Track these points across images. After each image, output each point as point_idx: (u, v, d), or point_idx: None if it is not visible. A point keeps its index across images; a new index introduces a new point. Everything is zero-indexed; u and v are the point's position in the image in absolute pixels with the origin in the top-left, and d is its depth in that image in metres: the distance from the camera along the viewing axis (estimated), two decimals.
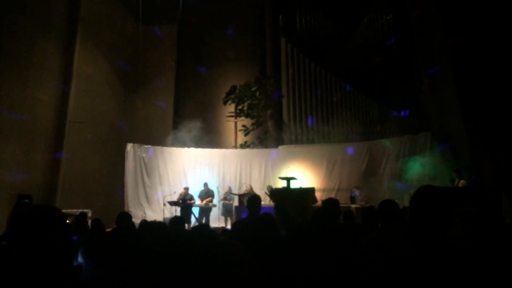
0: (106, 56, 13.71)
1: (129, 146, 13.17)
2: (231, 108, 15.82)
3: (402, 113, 13.68)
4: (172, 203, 11.65)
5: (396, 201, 3.45)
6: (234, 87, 15.48)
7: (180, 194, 11.80)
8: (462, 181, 8.97)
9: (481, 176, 8.91)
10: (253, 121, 15.50)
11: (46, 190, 11.03)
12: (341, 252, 2.82)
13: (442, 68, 10.75)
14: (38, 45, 10.89)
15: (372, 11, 15.32)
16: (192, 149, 13.94)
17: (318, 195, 11.70)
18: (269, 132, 15.40)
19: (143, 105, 15.28)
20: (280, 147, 14.36)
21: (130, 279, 2.05)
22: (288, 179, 10.64)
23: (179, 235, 2.70)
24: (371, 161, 12.65)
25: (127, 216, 5.05)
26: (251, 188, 12.42)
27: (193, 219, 11.62)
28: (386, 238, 3.26)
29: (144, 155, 13.42)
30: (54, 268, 1.29)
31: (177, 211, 11.58)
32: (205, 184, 12.50)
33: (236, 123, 15.76)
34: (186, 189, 11.98)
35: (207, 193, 12.28)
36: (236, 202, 12.18)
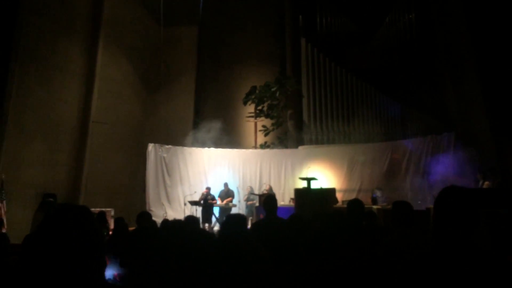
0: (128, 57, 13.91)
1: (150, 146, 13.33)
2: (251, 108, 15.84)
3: (425, 113, 13.43)
4: (193, 203, 11.71)
5: (419, 202, 3.41)
6: (254, 88, 15.49)
7: (202, 194, 11.84)
8: (486, 183, 8.76)
9: (508, 177, 8.69)
10: (273, 121, 15.48)
11: (69, 189, 11.26)
12: (364, 254, 2.78)
13: (467, 67, 10.53)
14: (62, 47, 11.13)
15: (394, 11, 15.11)
16: (212, 149, 14.02)
17: (339, 196, 11.61)
18: (289, 132, 15.35)
19: (164, 106, 15.43)
20: (301, 147, 14.30)
21: (152, 276, 2.06)
22: (309, 180, 10.58)
23: (201, 234, 2.71)
24: (393, 161, 12.47)
25: (147, 216, 5.10)
26: (270, 188, 12.41)
27: (213, 219, 11.68)
28: (407, 239, 3.21)
29: (165, 155, 13.56)
30: (84, 267, 1.30)
31: (197, 210, 11.64)
32: (225, 184, 12.54)
33: (256, 123, 15.76)
34: (208, 188, 11.99)
35: (227, 193, 12.32)
36: (257, 203, 12.18)
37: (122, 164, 13.23)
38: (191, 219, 4.80)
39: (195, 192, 12.49)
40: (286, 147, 14.87)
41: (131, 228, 5.60)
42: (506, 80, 8.66)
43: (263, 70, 16.41)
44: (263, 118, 15.70)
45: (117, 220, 6.08)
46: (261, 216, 9.14)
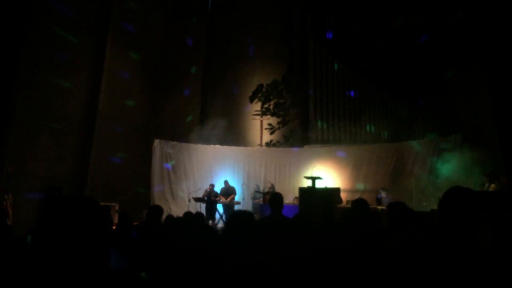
0: (136, 53, 13.95)
1: (156, 142, 13.38)
2: (257, 106, 15.84)
3: (432, 114, 13.35)
4: (197, 199, 11.76)
5: (424, 203, 3.40)
6: (261, 86, 15.49)
7: (206, 191, 11.88)
8: (492, 185, 8.70)
9: None
10: (279, 119, 15.48)
11: (75, 183, 11.32)
12: (368, 254, 2.78)
13: (476, 70, 10.46)
14: (70, 42, 11.18)
15: (403, 11, 15.00)
16: (217, 146, 14.04)
17: (343, 195, 11.59)
18: (295, 131, 15.34)
19: (170, 102, 15.47)
20: (306, 147, 14.28)
21: (156, 270, 2.08)
22: (314, 179, 10.59)
23: (203, 230, 2.73)
24: (399, 162, 12.42)
25: (159, 210, 4.97)
26: (271, 186, 12.43)
27: (217, 216, 11.71)
28: (403, 240, 3.21)
29: (170, 151, 13.61)
30: (89, 259, 1.31)
31: (201, 207, 11.68)
32: (225, 182, 12.53)
33: (261, 121, 15.77)
34: (212, 185, 12.04)
35: (227, 191, 12.31)
36: (261, 201, 12.20)
37: (128, 159, 13.28)
38: (196, 215, 4.82)
39: (200, 188, 12.53)
40: (291, 145, 14.86)
41: (135, 223, 5.62)
42: None
43: (271, 69, 16.39)
44: (269, 116, 15.70)
45: (122, 215, 6.10)
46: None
